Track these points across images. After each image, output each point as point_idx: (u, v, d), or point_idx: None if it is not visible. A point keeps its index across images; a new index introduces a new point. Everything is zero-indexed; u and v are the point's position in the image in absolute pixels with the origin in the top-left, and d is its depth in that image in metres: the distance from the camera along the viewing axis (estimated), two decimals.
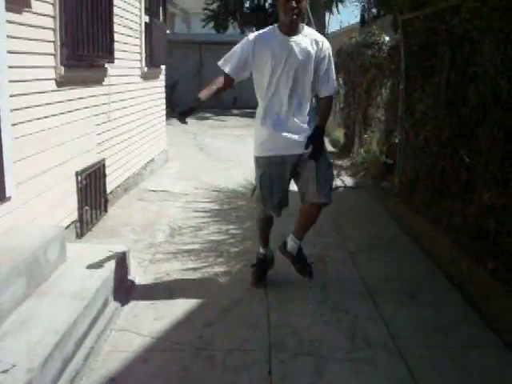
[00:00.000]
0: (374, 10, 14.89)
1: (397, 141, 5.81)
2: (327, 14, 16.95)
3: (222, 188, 6.34)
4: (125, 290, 3.43)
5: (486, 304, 3.26)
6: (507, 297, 3.24)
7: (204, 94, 3.13)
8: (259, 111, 3.32)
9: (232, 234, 4.67)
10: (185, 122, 3.09)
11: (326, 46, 3.23)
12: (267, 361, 2.67)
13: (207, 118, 14.73)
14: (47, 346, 2.36)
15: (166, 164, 7.82)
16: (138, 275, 3.71)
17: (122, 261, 3.49)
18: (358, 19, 17.01)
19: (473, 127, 4.26)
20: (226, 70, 3.21)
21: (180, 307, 3.26)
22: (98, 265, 3.30)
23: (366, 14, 15.84)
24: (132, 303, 3.32)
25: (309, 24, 17.63)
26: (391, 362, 2.67)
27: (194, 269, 3.86)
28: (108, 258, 3.41)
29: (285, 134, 3.20)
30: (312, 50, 3.17)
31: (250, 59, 3.17)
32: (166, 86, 15.23)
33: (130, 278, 3.60)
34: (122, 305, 3.27)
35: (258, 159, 3.35)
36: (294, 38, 3.15)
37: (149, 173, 6.84)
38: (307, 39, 3.19)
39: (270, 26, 3.26)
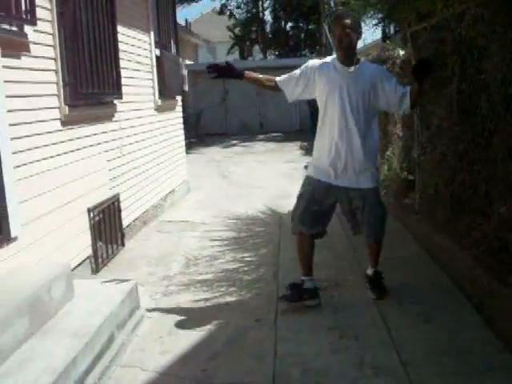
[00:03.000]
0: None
1: (415, 156, 5.67)
2: None
3: (241, 215, 6.30)
4: (133, 324, 3.40)
5: (504, 324, 3.08)
6: None
7: (251, 74, 3.43)
8: (321, 137, 3.43)
9: (247, 261, 4.61)
10: (215, 76, 3.35)
11: (381, 69, 3.54)
12: None
13: (233, 145, 14.81)
14: None
15: (188, 194, 7.85)
16: (149, 308, 3.69)
17: (130, 295, 3.47)
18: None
19: (487, 137, 4.12)
20: (278, 79, 3.45)
21: (187, 340, 3.20)
22: (104, 300, 3.30)
23: (388, 29, 15.69)
24: (140, 337, 3.29)
25: (328, 45, 17.66)
26: None
27: (206, 299, 3.81)
28: (116, 294, 3.41)
29: (337, 161, 3.34)
30: (370, 78, 3.31)
31: (307, 81, 3.36)
32: (192, 116, 15.53)
33: (139, 311, 3.57)
34: (130, 340, 3.24)
35: (307, 177, 3.50)
36: (352, 69, 3.30)
37: (169, 204, 6.87)
38: (365, 69, 3.35)
39: (330, 57, 3.47)
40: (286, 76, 3.43)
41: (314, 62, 3.40)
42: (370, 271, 3.76)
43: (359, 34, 3.34)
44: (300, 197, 3.50)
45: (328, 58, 3.48)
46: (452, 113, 4.66)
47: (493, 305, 3.34)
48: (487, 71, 3.95)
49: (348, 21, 3.22)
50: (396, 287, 3.76)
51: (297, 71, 3.40)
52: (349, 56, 3.29)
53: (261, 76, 3.47)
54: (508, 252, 3.59)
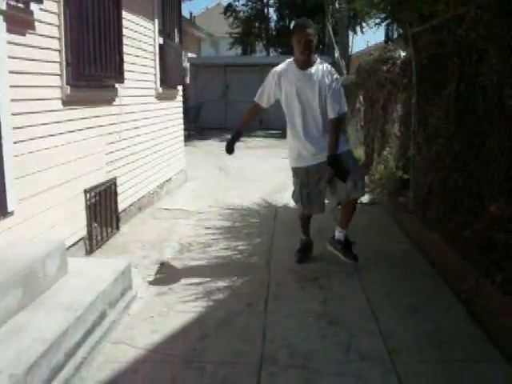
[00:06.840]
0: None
1: (411, 155, 5.73)
2: (351, 34, 16.97)
3: (237, 206, 6.35)
4: (125, 303, 3.44)
5: (490, 318, 3.14)
6: None
7: (239, 127, 4.25)
8: (288, 131, 4.11)
9: (240, 250, 4.66)
10: (232, 152, 4.22)
11: (332, 73, 3.88)
12: (257, 373, 2.63)
13: None
14: (33, 354, 2.39)
15: (185, 184, 7.88)
16: (141, 289, 3.73)
17: (122, 275, 3.51)
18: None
19: (482, 138, 4.17)
20: (255, 98, 4.12)
21: (178, 321, 3.25)
22: (97, 278, 3.33)
23: (390, 31, 15.74)
24: (131, 316, 3.34)
25: (331, 45, 17.67)
26: (383, 376, 2.60)
27: (197, 283, 3.86)
28: (109, 273, 3.44)
29: (304, 149, 3.98)
30: (321, 79, 3.85)
31: (274, 91, 3.98)
32: (192, 109, 15.53)
33: (131, 292, 3.61)
34: (121, 318, 3.29)
35: (292, 169, 4.18)
36: (308, 71, 3.87)
37: (165, 192, 6.90)
38: (317, 70, 3.87)
39: (289, 61, 3.99)
40: (259, 92, 4.07)
41: (275, 71, 3.97)
42: (339, 235, 4.05)
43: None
44: (294, 185, 4.18)
45: (285, 64, 3.96)
46: (449, 114, 4.71)
47: (479, 301, 3.40)
48: (485, 73, 4.01)
49: (311, 29, 3.74)
50: (388, 280, 3.82)
51: (264, 84, 4.05)
52: (308, 61, 3.84)
53: (245, 115, 4.31)
54: (496, 251, 3.65)
